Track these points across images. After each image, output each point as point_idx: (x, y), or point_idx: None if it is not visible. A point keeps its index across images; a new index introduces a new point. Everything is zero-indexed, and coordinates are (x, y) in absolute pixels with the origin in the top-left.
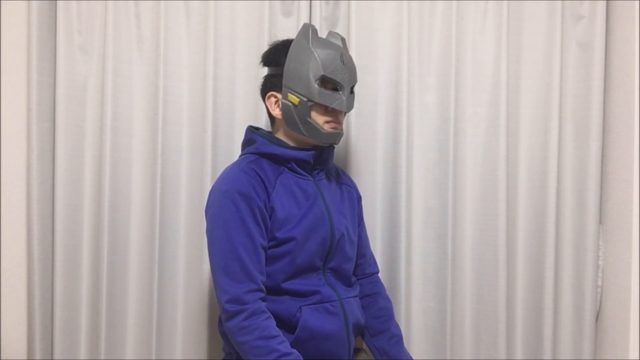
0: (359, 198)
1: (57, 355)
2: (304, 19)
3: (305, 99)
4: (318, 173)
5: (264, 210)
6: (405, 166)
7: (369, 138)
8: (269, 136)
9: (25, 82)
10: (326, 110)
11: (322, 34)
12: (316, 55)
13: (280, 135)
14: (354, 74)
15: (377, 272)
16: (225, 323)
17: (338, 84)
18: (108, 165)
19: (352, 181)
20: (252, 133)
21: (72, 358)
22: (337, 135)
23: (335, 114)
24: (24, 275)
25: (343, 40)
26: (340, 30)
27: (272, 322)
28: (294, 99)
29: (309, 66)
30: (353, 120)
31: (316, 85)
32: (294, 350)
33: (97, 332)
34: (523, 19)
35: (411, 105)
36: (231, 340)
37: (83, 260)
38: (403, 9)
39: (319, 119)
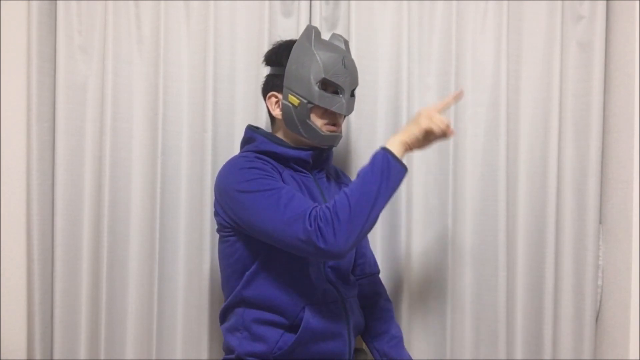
0: None
1: (57, 355)
2: (304, 19)
3: (305, 101)
4: (318, 172)
5: (281, 177)
6: None
7: (369, 138)
8: (269, 135)
9: (25, 82)
10: (326, 112)
11: (322, 34)
12: (318, 58)
13: (280, 135)
14: (355, 78)
15: (378, 273)
16: (333, 236)
17: (339, 87)
18: (108, 165)
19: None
20: (252, 132)
21: (72, 358)
22: (335, 137)
23: (335, 117)
24: (24, 275)
25: (346, 43)
26: (340, 30)
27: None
28: (294, 100)
29: (310, 68)
30: (353, 121)
31: (317, 88)
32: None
33: (97, 332)
34: (523, 19)
35: (411, 105)
36: (362, 232)
37: (83, 260)
38: (403, 9)
39: (318, 121)
